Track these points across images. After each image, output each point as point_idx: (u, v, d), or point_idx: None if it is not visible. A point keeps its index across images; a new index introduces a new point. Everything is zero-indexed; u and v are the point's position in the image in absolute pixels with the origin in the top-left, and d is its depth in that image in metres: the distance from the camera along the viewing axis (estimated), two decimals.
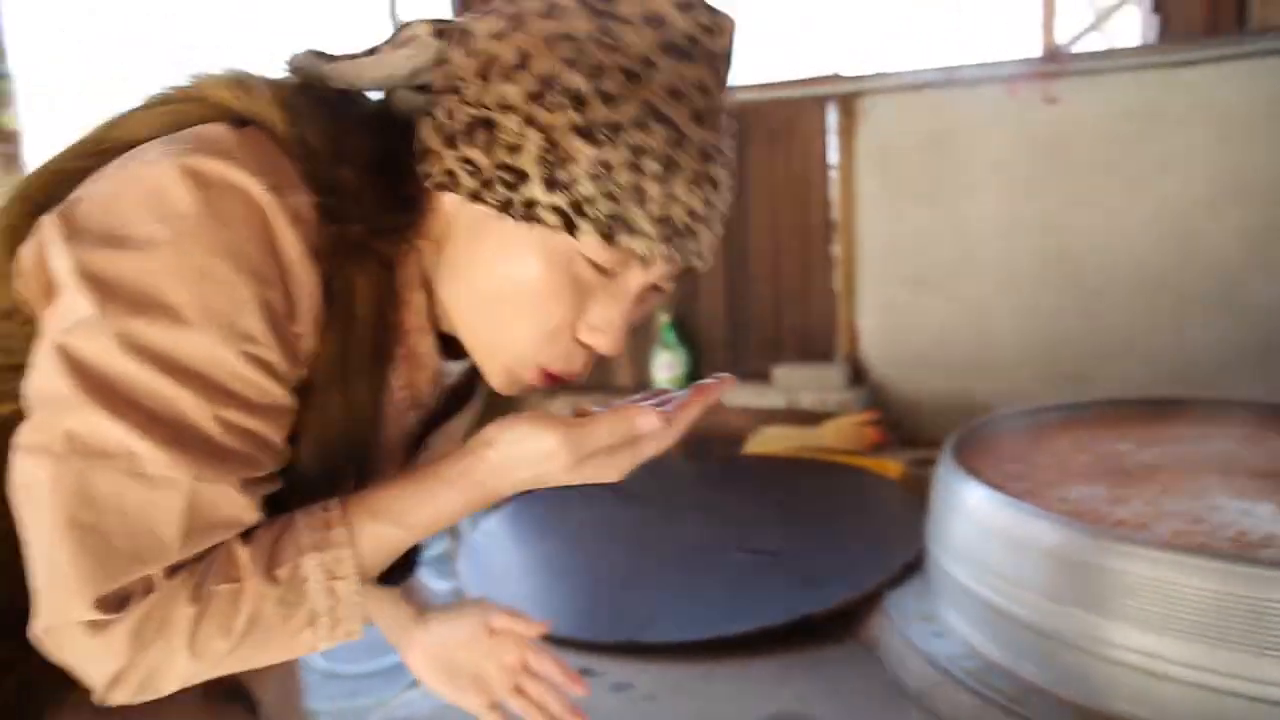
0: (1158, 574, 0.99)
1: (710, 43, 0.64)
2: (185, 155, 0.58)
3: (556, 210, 0.61)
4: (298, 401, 0.63)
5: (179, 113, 0.64)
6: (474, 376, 0.84)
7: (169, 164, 0.58)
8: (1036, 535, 1.11)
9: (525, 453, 0.63)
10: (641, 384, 2.78)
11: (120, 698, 0.58)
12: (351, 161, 0.63)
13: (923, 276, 2.38)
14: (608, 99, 0.60)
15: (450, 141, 0.64)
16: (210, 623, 0.58)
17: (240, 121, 0.62)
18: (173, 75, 0.65)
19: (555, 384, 0.70)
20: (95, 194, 0.59)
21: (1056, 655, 1.07)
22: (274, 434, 0.61)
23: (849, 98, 2.37)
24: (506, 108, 0.61)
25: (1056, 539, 1.08)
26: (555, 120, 0.60)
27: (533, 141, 0.61)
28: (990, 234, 2.29)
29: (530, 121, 0.61)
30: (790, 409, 2.46)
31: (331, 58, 0.68)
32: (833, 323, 2.51)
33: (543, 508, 1.84)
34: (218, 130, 0.61)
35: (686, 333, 2.71)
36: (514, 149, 0.61)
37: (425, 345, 0.73)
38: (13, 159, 3.96)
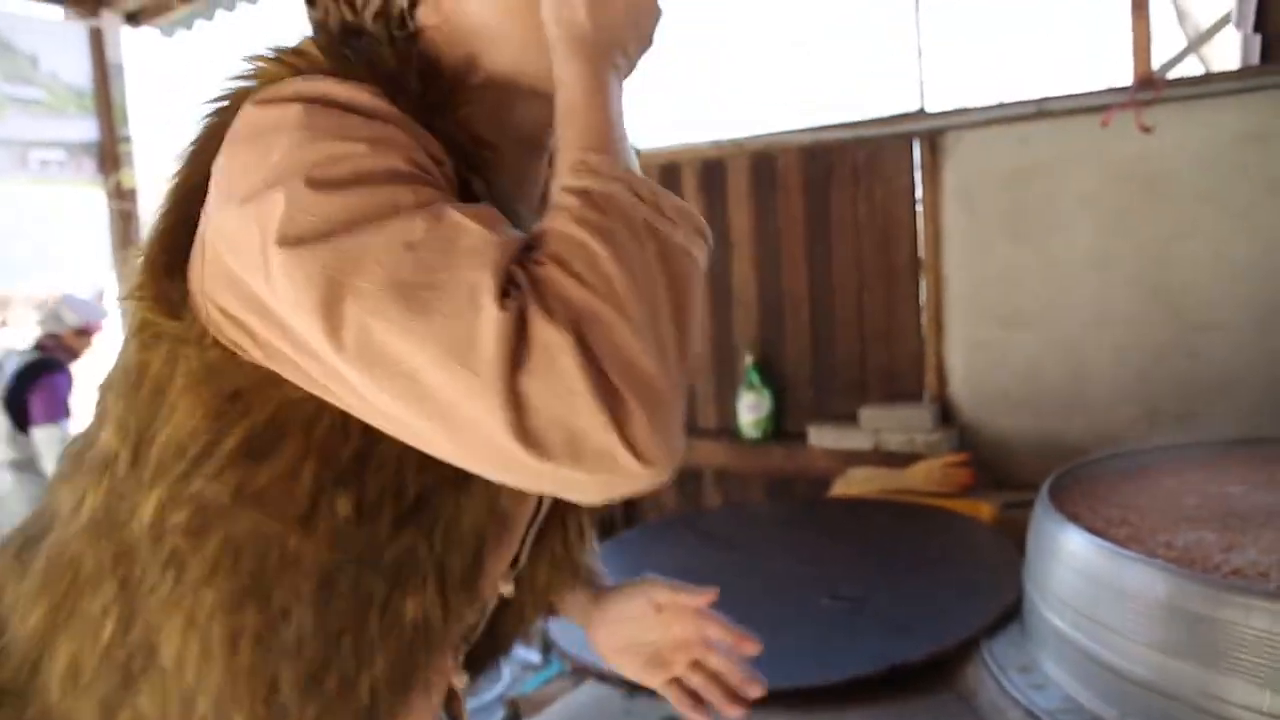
0: (1277, 628, 0.94)
1: None
2: (253, 100, 0.60)
3: None
4: None
5: (238, 99, 0.64)
6: None
7: (247, 111, 0.60)
8: (1143, 584, 1.06)
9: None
10: (726, 427, 2.76)
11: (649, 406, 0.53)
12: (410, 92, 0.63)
13: (1012, 314, 2.32)
14: None
15: None
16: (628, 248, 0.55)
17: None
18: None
19: None
20: (219, 170, 0.60)
21: (1164, 711, 1.02)
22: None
23: (934, 134, 2.34)
24: None
25: (1166, 588, 1.03)
26: None
27: None
28: (1082, 269, 2.22)
29: None
30: (877, 450, 2.40)
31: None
32: (920, 362, 2.46)
33: (629, 552, 1.84)
34: (286, 77, 0.62)
35: (771, 374, 2.68)
36: None
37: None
38: (129, 215, 4.20)
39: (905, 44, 2.42)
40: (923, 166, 2.38)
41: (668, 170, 2.75)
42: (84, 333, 3.77)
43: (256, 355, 0.60)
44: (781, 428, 2.67)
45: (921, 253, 2.43)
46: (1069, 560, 1.18)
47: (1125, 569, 1.09)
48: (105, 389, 0.70)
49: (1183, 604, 1.02)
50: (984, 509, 2.01)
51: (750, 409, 2.65)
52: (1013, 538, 1.79)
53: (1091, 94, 2.13)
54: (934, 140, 2.35)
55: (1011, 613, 1.39)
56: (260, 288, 0.56)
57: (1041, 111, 2.18)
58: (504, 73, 0.70)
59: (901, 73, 2.42)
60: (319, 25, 0.73)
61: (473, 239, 0.53)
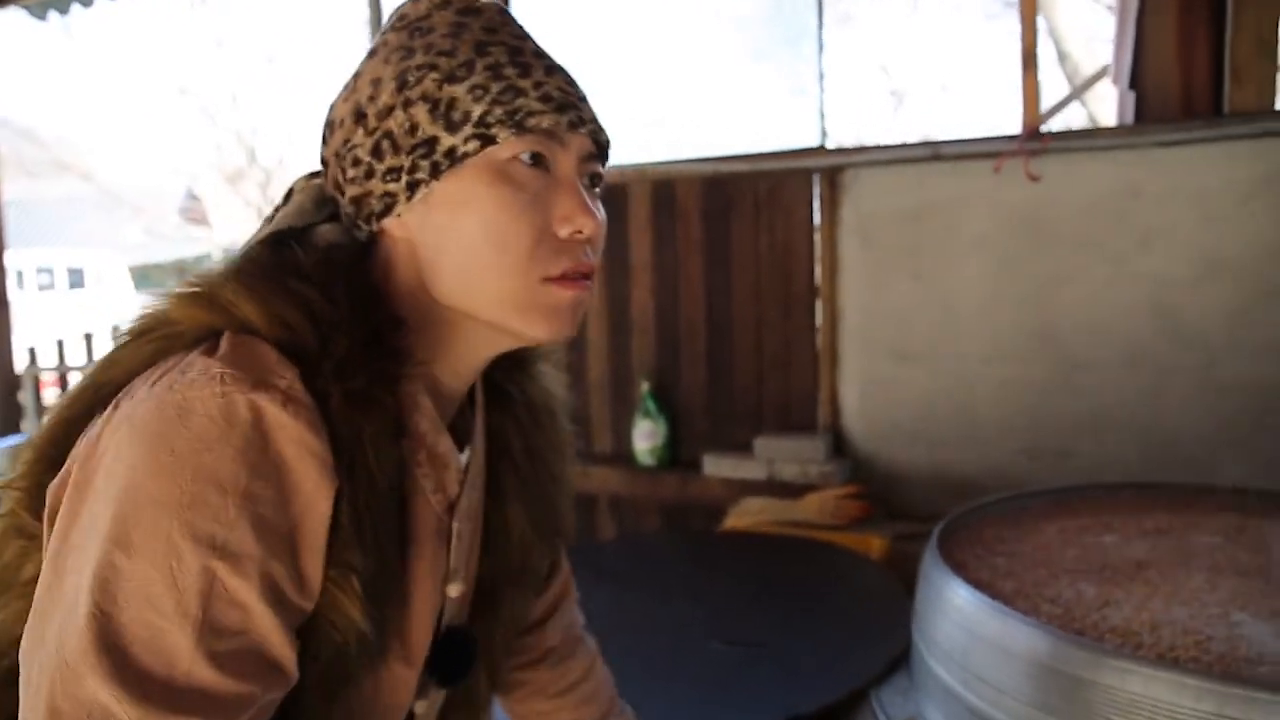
0: (1150, 691, 0.97)
1: (488, 6, 0.77)
2: (164, 390, 0.61)
3: (470, 139, 0.70)
4: (320, 576, 0.65)
5: (162, 342, 0.67)
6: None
7: (151, 403, 0.61)
8: (1025, 643, 1.08)
9: None
10: (621, 453, 2.75)
11: None
12: (333, 318, 0.67)
13: (906, 349, 2.37)
14: (447, 53, 0.72)
15: (369, 175, 0.73)
16: None
17: (218, 334, 0.66)
18: (140, 303, 0.70)
19: (583, 286, 0.75)
20: (89, 443, 0.63)
21: None
22: (279, 646, 0.62)
23: (833, 170, 2.38)
24: (387, 113, 0.71)
25: (1046, 649, 1.05)
26: (425, 88, 0.71)
27: (420, 112, 0.71)
28: (973, 308, 2.29)
29: (408, 104, 0.71)
30: (771, 480, 2.42)
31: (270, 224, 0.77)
32: (815, 394, 2.49)
33: None
34: (193, 361, 0.64)
35: (667, 402, 2.68)
36: (412, 130, 0.71)
37: (444, 443, 0.78)
38: None
39: (808, 81, 2.46)
40: (822, 201, 2.41)
41: None
42: None
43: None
44: (677, 456, 2.67)
45: (819, 286, 2.47)
46: (955, 614, 1.19)
47: (1008, 627, 1.11)
48: None
49: (1062, 666, 1.04)
50: (875, 543, 2.05)
51: (646, 436, 2.64)
52: (903, 572, 1.83)
53: (984, 140, 2.20)
54: (833, 176, 2.39)
55: (900, 659, 1.41)
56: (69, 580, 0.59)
57: (937, 155, 2.24)
58: (452, 304, 0.74)
59: (804, 108, 2.45)
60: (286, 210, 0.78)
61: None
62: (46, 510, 0.64)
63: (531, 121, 0.71)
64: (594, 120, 0.76)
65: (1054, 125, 2.79)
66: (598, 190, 0.78)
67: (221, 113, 18.64)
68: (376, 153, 0.72)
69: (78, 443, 0.64)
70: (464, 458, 0.83)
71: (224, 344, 0.64)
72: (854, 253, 2.40)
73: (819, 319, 2.47)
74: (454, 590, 0.84)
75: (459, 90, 0.70)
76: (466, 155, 0.70)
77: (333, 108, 0.77)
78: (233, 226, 17.97)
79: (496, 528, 0.89)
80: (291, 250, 0.72)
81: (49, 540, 0.62)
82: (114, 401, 0.64)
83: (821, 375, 2.47)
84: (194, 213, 19.10)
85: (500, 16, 0.77)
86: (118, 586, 0.56)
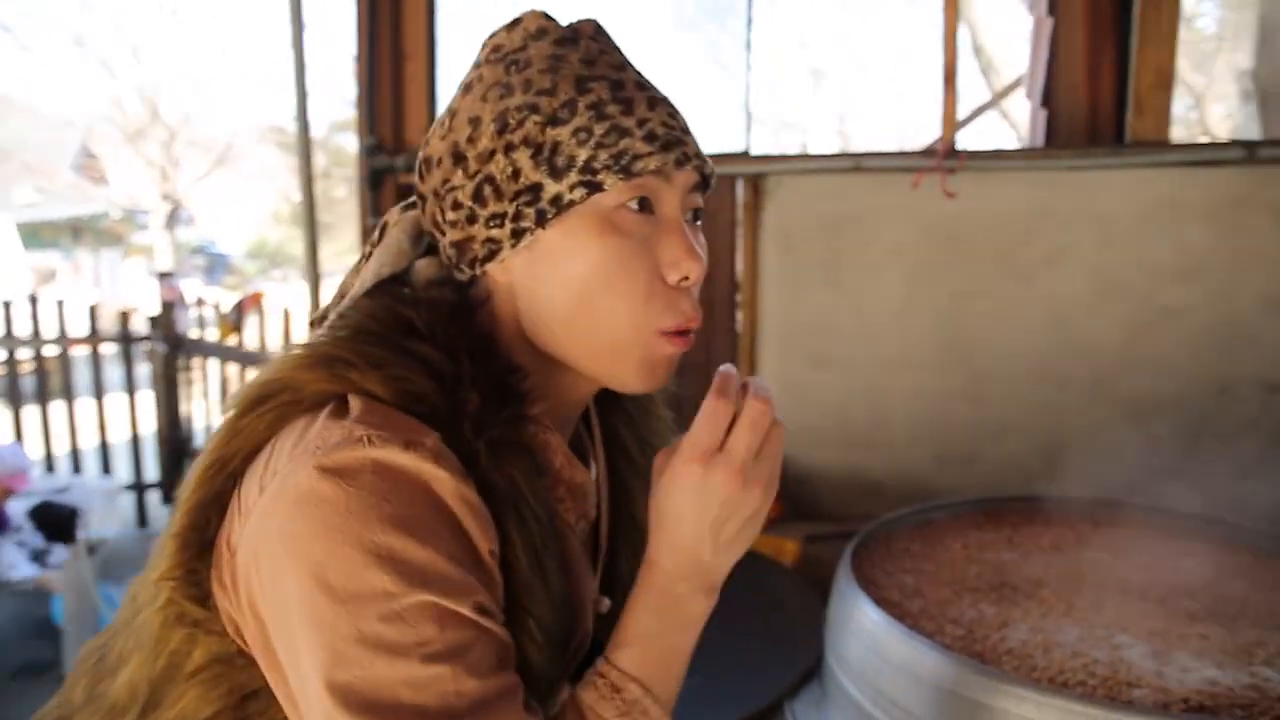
0: (1042, 716, 1.04)
1: (583, 31, 0.74)
2: (314, 458, 0.60)
3: (575, 186, 0.68)
4: (505, 608, 0.66)
5: (282, 409, 0.66)
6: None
7: (305, 473, 0.60)
8: (931, 667, 1.14)
9: (704, 512, 0.68)
10: None
11: None
12: (456, 375, 0.66)
13: (822, 355, 2.44)
14: (547, 92, 0.69)
15: (471, 220, 0.71)
16: None
17: (341, 397, 0.65)
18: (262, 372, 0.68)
19: (689, 340, 0.74)
20: (256, 534, 0.62)
21: None
22: (501, 645, 0.64)
23: (757, 177, 2.43)
24: (488, 156, 0.69)
25: (950, 674, 1.12)
26: (526, 131, 0.69)
27: (522, 157, 0.69)
28: (887, 317, 2.37)
29: (510, 149, 0.69)
30: None
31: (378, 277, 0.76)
32: None
33: None
34: (330, 426, 0.63)
35: None
36: (515, 175, 0.69)
37: (579, 473, 0.78)
38: None
39: (735, 87, 2.49)
40: (745, 207, 2.46)
41: None
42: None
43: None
44: None
45: (739, 289, 2.52)
46: (865, 635, 1.25)
47: (915, 651, 1.17)
48: (122, 631, 0.75)
49: (964, 691, 1.11)
50: (788, 546, 2.11)
51: None
52: (814, 573, 1.90)
53: (903, 155, 2.27)
54: (757, 182, 2.43)
55: (813, 671, 1.47)
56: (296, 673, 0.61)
57: (858, 167, 2.30)
58: (553, 352, 0.73)
59: (730, 114, 2.49)
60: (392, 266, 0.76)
61: None
62: (216, 601, 0.65)
63: (638, 165, 0.69)
64: (698, 154, 0.73)
65: (974, 128, 2.88)
66: (699, 223, 0.76)
67: (121, 66, 17.76)
68: (478, 197, 0.70)
69: (226, 523, 0.65)
70: (592, 474, 0.83)
71: (356, 407, 0.63)
72: (774, 258, 2.46)
73: (739, 323, 2.53)
74: (604, 606, 0.85)
75: (562, 134, 0.68)
76: (573, 203, 0.68)
77: (428, 143, 0.74)
78: (132, 185, 17.22)
79: (627, 526, 0.89)
80: (403, 303, 0.70)
81: (249, 652, 0.64)
82: (258, 484, 0.63)
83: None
84: (90, 170, 18.24)
85: (597, 43, 0.74)
86: (355, 653, 0.57)
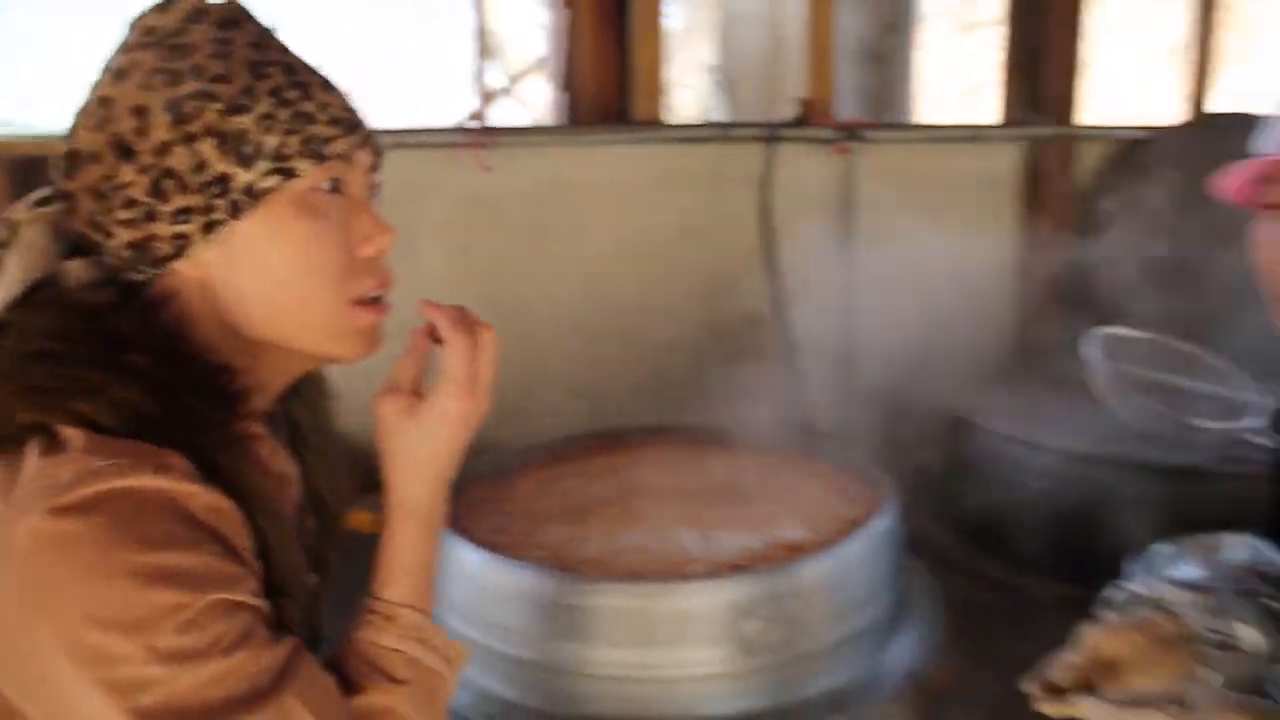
0: (619, 603, 1.25)
1: (240, 13, 0.74)
2: (44, 501, 0.56)
3: (269, 173, 0.68)
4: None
5: None
6: None
7: (35, 519, 0.56)
8: (525, 586, 1.30)
9: (459, 438, 0.78)
10: None
11: None
12: (171, 385, 0.64)
13: (388, 327, 2.48)
14: (222, 79, 0.68)
15: (150, 217, 0.67)
16: None
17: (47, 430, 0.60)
18: None
19: (386, 308, 0.80)
20: None
21: (552, 684, 1.28)
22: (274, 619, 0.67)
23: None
24: (165, 149, 0.67)
25: (545, 586, 1.29)
26: (207, 121, 0.67)
27: (207, 147, 0.67)
28: (438, 286, 2.47)
29: (191, 139, 0.67)
30: None
31: None
32: None
33: None
34: (54, 465, 0.59)
35: None
36: (200, 167, 0.67)
37: (284, 462, 0.81)
38: None
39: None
40: None
41: None
42: None
43: None
44: None
45: None
46: (467, 577, 1.37)
47: (511, 575, 1.32)
48: None
49: (556, 598, 1.28)
50: (363, 518, 2.15)
51: None
52: None
53: (440, 131, 2.38)
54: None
55: None
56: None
57: (399, 144, 2.36)
58: (263, 337, 0.73)
59: None
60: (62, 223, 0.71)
61: None
62: None
63: (328, 149, 0.70)
64: (374, 134, 0.76)
65: (496, 107, 3.09)
66: (377, 198, 0.79)
67: None
68: (158, 193, 0.66)
69: None
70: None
71: (78, 440, 0.59)
72: None
73: None
74: (311, 580, 0.85)
75: (246, 121, 0.67)
76: (268, 191, 0.68)
77: (74, 135, 0.67)
78: None
79: (316, 504, 0.90)
80: (89, 315, 0.64)
81: None
82: None
83: None
84: None
85: (256, 26, 0.73)
86: (155, 673, 0.56)
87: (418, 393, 0.78)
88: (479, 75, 2.39)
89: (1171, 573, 0.94)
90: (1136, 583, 0.93)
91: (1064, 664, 0.84)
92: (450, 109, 2.51)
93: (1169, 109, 3.32)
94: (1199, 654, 0.83)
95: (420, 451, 0.78)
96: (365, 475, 2.41)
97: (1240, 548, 0.95)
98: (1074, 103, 2.90)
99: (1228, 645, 0.83)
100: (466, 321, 0.82)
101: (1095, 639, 0.84)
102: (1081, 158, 2.93)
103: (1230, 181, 0.86)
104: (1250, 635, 0.84)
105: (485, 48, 2.40)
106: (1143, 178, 2.79)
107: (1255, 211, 0.86)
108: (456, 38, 2.47)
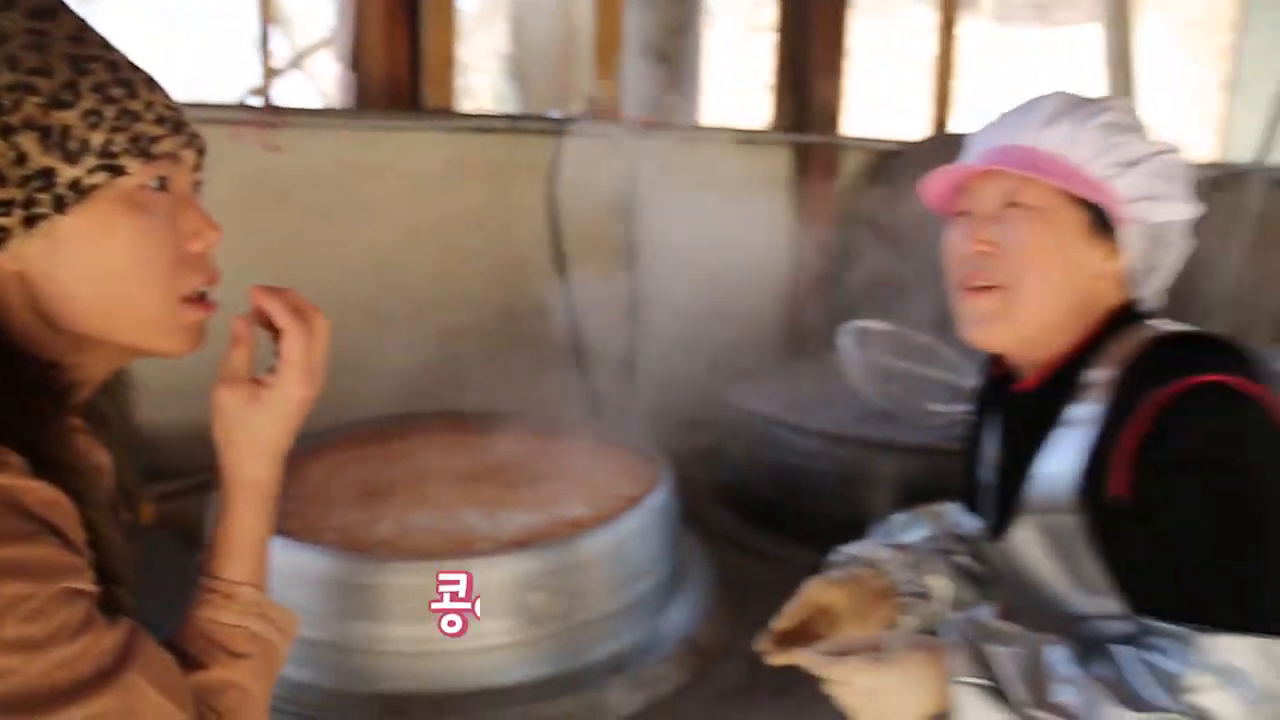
0: (406, 582, 1.31)
1: (54, 3, 0.72)
2: None
3: (95, 170, 0.67)
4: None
5: None
6: None
7: None
8: (317, 568, 1.33)
9: (277, 417, 0.78)
10: None
11: None
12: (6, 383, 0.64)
13: None
14: (41, 72, 0.66)
15: None
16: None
17: None
18: None
19: (214, 305, 0.79)
20: None
21: (346, 662, 1.32)
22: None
23: None
24: None
25: (336, 568, 1.32)
26: (27, 114, 0.65)
27: (28, 140, 0.65)
28: (223, 268, 2.40)
29: (9, 131, 0.65)
30: None
31: None
32: None
33: None
34: None
35: None
36: (20, 160, 0.65)
37: (98, 454, 0.79)
38: None
39: None
40: None
41: None
42: None
43: None
44: None
45: None
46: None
47: (301, 558, 1.34)
48: None
49: (347, 578, 1.32)
50: (145, 510, 2.07)
51: None
52: (178, 527, 1.91)
53: (222, 108, 2.31)
54: None
55: None
56: None
57: None
58: (86, 332, 0.71)
59: None
60: None
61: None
62: None
63: (156, 148, 0.70)
64: (197, 132, 0.76)
65: (281, 84, 3.00)
66: (200, 194, 0.78)
67: None
68: None
69: None
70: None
71: None
72: None
73: None
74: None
75: (70, 117, 0.66)
76: (94, 187, 0.67)
77: None
78: None
79: (123, 494, 0.87)
80: None
81: None
82: None
83: None
84: None
85: (73, 18, 0.70)
86: (4, 663, 0.58)
87: (256, 380, 0.81)
88: (263, 46, 2.32)
89: (901, 537, 1.11)
90: (854, 545, 1.09)
91: (785, 613, 0.98)
92: (232, 82, 2.43)
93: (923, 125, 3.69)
94: (901, 604, 1.00)
95: (263, 437, 0.81)
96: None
97: (953, 514, 1.14)
98: (838, 112, 3.17)
99: (922, 595, 1.01)
100: (300, 307, 0.86)
101: (810, 591, 0.99)
102: (845, 164, 3.22)
103: (930, 190, 1.03)
104: (940, 585, 1.03)
105: (270, 17, 2.33)
106: (894, 186, 3.11)
107: (947, 217, 1.03)
108: (239, 4, 2.39)
